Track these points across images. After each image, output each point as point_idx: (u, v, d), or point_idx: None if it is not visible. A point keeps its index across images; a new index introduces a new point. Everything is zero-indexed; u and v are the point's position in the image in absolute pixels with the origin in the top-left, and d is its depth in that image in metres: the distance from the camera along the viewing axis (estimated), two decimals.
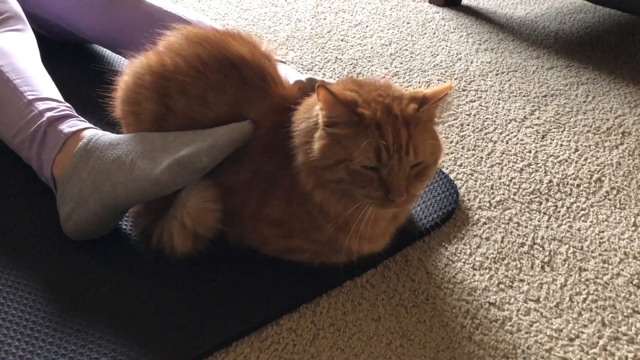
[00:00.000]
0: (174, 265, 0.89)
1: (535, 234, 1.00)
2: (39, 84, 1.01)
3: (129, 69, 0.95)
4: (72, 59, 1.41)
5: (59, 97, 1.02)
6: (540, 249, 0.97)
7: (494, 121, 1.29)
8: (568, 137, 1.25)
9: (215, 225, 0.86)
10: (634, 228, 1.02)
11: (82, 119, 0.99)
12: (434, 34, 1.67)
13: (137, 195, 0.86)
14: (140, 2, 1.26)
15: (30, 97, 0.98)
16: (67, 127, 0.95)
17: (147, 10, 1.24)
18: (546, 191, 1.10)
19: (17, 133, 0.97)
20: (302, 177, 0.79)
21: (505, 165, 1.16)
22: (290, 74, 0.96)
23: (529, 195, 1.08)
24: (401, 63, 1.51)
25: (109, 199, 0.87)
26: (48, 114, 0.96)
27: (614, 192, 1.10)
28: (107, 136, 0.92)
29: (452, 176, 1.11)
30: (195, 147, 0.83)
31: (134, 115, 0.92)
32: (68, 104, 1.01)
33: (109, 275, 0.88)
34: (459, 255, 0.96)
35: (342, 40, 1.62)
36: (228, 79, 0.87)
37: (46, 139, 0.95)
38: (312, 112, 0.80)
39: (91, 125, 0.97)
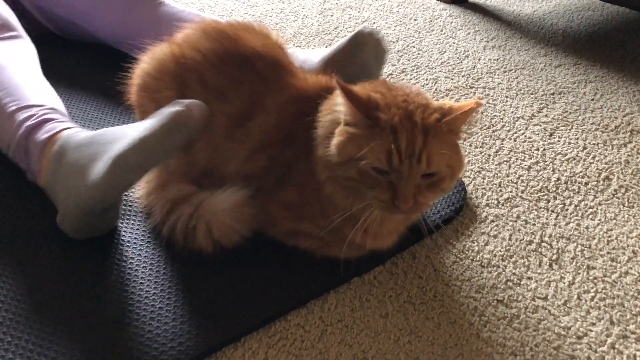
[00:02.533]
0: (181, 262, 0.89)
1: (543, 232, 1.00)
2: (23, 92, 0.99)
3: (148, 57, 0.95)
4: (88, 50, 1.41)
5: (44, 98, 1.00)
6: (549, 246, 0.97)
7: (502, 119, 1.29)
8: (576, 135, 1.24)
9: (240, 241, 0.88)
10: None
11: (62, 118, 0.98)
12: (442, 31, 1.66)
13: (91, 203, 0.84)
14: (161, 3, 1.27)
15: (12, 109, 0.97)
16: (43, 133, 0.94)
17: (167, 10, 1.25)
18: (554, 189, 1.09)
19: (8, 146, 0.98)
20: (318, 169, 0.81)
21: (513, 162, 1.16)
22: (310, 56, 0.96)
23: (537, 193, 1.08)
24: (408, 60, 1.51)
25: (80, 203, 0.84)
26: (26, 124, 0.95)
27: (623, 190, 1.09)
28: (77, 137, 0.90)
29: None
30: (127, 142, 0.80)
31: (152, 102, 0.93)
32: (51, 106, 0.99)
33: (111, 272, 0.88)
34: (466, 252, 0.95)
35: None
36: (244, 74, 0.89)
37: (29, 149, 0.94)
38: (338, 105, 0.80)
39: (69, 125, 0.96)
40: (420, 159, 0.73)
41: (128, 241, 0.94)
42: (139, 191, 0.99)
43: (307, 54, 1.16)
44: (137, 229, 0.96)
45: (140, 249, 0.92)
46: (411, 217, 0.84)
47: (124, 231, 0.95)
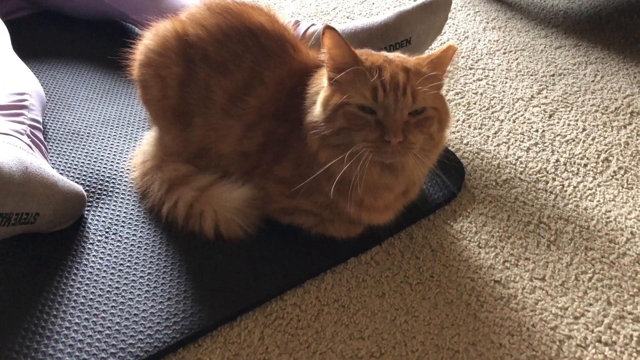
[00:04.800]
0: (177, 242, 0.89)
1: (542, 213, 0.99)
2: None
3: (152, 33, 0.95)
4: (91, 26, 1.40)
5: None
6: (547, 227, 0.96)
7: (501, 100, 1.27)
8: (576, 116, 1.23)
9: (241, 236, 0.89)
10: None
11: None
12: None
13: None
14: None
15: None
16: None
17: None
18: (553, 170, 1.08)
19: None
20: (308, 138, 0.80)
21: (512, 144, 1.15)
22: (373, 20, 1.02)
23: (536, 175, 1.07)
24: None
25: None
26: None
27: (622, 171, 1.09)
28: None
29: (458, 155, 1.10)
30: None
31: (157, 78, 0.93)
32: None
33: (105, 252, 0.88)
34: (464, 233, 0.95)
35: (347, 17, 1.60)
36: (247, 48, 0.89)
37: None
38: (322, 77, 0.81)
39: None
40: (405, 92, 0.74)
41: (123, 221, 0.93)
42: (134, 172, 0.98)
43: (368, 19, 1.18)
44: (133, 210, 0.95)
45: (135, 230, 0.91)
46: (402, 159, 0.77)
47: (119, 211, 0.95)
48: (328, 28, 0.75)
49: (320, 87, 0.81)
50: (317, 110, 0.79)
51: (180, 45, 0.92)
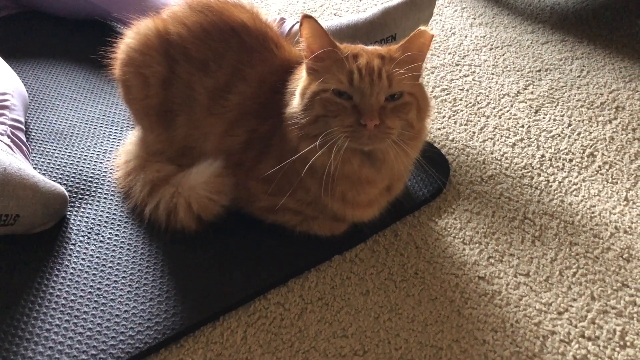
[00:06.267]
0: (160, 242, 0.88)
1: (527, 209, 0.99)
2: None
3: (133, 31, 0.94)
4: (73, 25, 1.39)
5: None
6: (531, 223, 0.96)
7: (487, 96, 1.27)
8: (561, 111, 1.23)
9: (220, 212, 0.88)
10: (625, 202, 1.01)
11: None
12: None
13: None
14: None
15: None
16: None
17: None
18: (538, 166, 1.08)
19: None
20: (288, 132, 0.80)
21: (498, 140, 1.15)
22: (358, 16, 1.01)
23: (521, 170, 1.07)
24: None
25: None
26: None
27: (607, 166, 1.09)
28: None
29: (443, 151, 1.10)
30: None
31: (139, 77, 0.92)
32: None
33: (87, 253, 0.87)
34: (449, 229, 0.95)
35: (334, 14, 1.59)
36: (228, 45, 0.89)
37: None
38: (303, 72, 0.81)
39: None
40: (381, 76, 0.74)
41: (106, 222, 0.92)
42: (117, 172, 0.97)
43: (353, 16, 1.18)
44: (116, 210, 0.94)
45: (118, 230, 0.91)
46: (379, 144, 0.75)
47: (101, 212, 0.94)
48: (306, 17, 0.75)
49: (299, 81, 0.80)
50: (295, 101, 0.79)
51: (161, 44, 0.92)
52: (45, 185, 0.87)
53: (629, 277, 0.87)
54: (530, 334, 0.79)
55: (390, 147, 0.76)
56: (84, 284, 0.82)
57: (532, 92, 1.29)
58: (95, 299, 0.80)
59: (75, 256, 0.86)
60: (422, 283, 0.86)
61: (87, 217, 0.93)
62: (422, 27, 0.76)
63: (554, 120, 1.21)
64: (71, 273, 0.83)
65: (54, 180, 0.98)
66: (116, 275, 0.83)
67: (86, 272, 0.84)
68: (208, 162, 0.88)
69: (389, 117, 0.74)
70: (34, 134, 1.10)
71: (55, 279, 0.82)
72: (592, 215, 0.98)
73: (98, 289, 0.81)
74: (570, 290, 0.86)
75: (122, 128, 1.13)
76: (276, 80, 0.86)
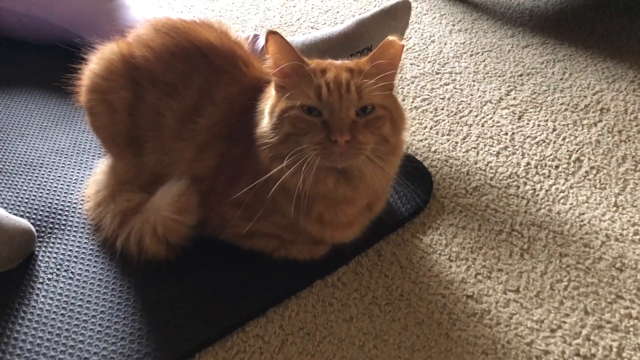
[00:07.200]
0: (132, 272, 0.84)
1: (514, 220, 0.96)
2: None
3: (97, 56, 0.91)
4: (35, 51, 1.35)
5: None
6: (519, 235, 0.93)
7: (469, 104, 1.24)
8: (545, 116, 1.20)
9: (187, 234, 0.84)
10: (615, 208, 0.98)
11: None
12: None
13: None
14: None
15: None
16: None
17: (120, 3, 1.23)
18: (524, 174, 1.05)
19: None
20: (259, 153, 0.76)
21: (481, 149, 1.12)
22: (335, 29, 1.02)
23: (506, 180, 1.04)
24: None
25: None
26: None
27: (594, 171, 1.06)
28: None
29: (426, 163, 1.07)
30: None
31: (105, 104, 0.89)
32: None
33: (56, 290, 0.83)
34: (434, 246, 0.91)
35: (312, 27, 1.57)
36: (195, 67, 0.86)
37: None
38: (272, 90, 0.78)
39: None
40: (349, 89, 0.71)
41: (76, 257, 0.88)
42: (87, 203, 0.93)
43: (328, 29, 1.16)
44: (86, 244, 0.90)
45: (88, 265, 0.87)
46: (351, 160, 0.72)
47: (71, 246, 0.90)
48: (271, 33, 0.72)
49: (269, 101, 0.77)
50: (265, 120, 0.76)
51: (126, 68, 0.88)
52: (9, 223, 0.83)
53: (623, 288, 0.84)
54: (523, 355, 0.76)
55: (366, 164, 0.72)
56: (52, 325, 0.78)
57: (514, 98, 1.26)
58: (63, 341, 0.76)
59: (43, 295, 0.82)
60: (408, 306, 0.82)
61: (56, 253, 0.89)
62: (390, 37, 0.72)
63: (538, 125, 1.18)
64: (38, 314, 0.79)
65: (21, 215, 0.94)
66: (86, 314, 0.79)
67: (54, 312, 0.80)
68: (172, 181, 0.84)
69: (361, 132, 0.71)
70: (0, 166, 1.06)
71: (20, 321, 0.78)
72: (582, 223, 0.95)
73: (66, 329, 0.77)
74: (562, 305, 0.82)
75: (94, 156, 1.09)
76: (246, 100, 0.82)
